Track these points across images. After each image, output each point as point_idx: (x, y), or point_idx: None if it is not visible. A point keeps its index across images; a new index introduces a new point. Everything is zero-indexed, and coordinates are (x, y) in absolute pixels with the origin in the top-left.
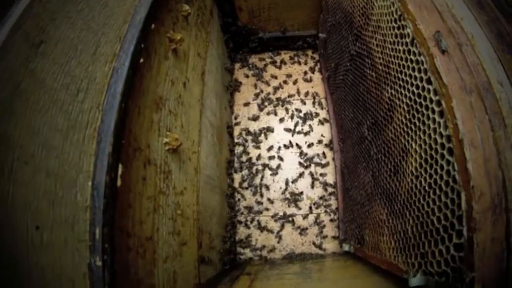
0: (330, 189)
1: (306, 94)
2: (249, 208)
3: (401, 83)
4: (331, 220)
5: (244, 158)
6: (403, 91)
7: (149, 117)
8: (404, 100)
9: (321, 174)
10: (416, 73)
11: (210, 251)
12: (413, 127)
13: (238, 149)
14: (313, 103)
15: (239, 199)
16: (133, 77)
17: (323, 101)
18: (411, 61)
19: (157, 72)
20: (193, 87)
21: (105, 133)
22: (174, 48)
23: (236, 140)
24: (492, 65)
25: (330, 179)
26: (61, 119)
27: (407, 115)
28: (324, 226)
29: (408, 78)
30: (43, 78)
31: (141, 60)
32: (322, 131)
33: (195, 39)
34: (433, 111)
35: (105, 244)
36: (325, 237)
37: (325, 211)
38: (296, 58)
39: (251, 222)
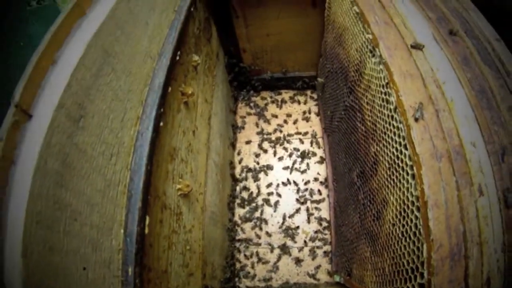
0: (324, 224)
1: (305, 133)
2: (248, 240)
3: (384, 142)
4: (325, 252)
5: (244, 194)
6: (386, 150)
7: (165, 168)
8: (386, 158)
9: (316, 209)
10: (397, 138)
11: (212, 280)
12: (392, 182)
13: (240, 185)
14: (311, 142)
15: (239, 232)
16: (155, 139)
17: (320, 140)
18: (394, 126)
19: (172, 126)
20: (201, 133)
21: (135, 190)
22: (186, 101)
23: (237, 177)
24: (468, 126)
25: (324, 214)
26: (100, 180)
27: (388, 171)
28: (318, 258)
29: (390, 140)
30: (84, 149)
31: (161, 124)
32: (319, 169)
33: (202, 86)
34: (407, 173)
35: (136, 280)
36: (318, 267)
37: (320, 245)
38: (296, 98)
39: (250, 253)
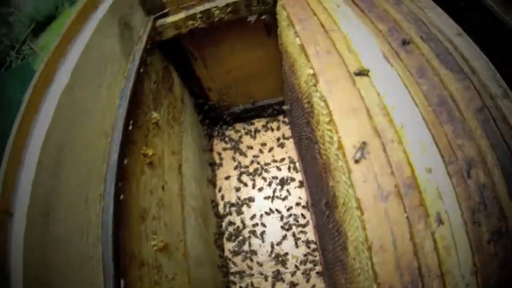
0: (312, 246)
1: (282, 160)
2: (242, 273)
3: (337, 179)
4: (318, 273)
5: (230, 229)
6: (338, 187)
7: (137, 229)
8: (340, 194)
9: (302, 232)
10: (343, 177)
11: None
12: (346, 219)
13: (225, 221)
14: (288, 168)
15: (231, 266)
16: (119, 211)
17: (297, 164)
18: (340, 165)
19: (137, 189)
20: (171, 186)
21: (107, 260)
22: (149, 161)
23: (222, 213)
24: (421, 152)
25: (311, 236)
26: (77, 258)
27: (343, 207)
28: (312, 279)
29: (339, 178)
30: (59, 238)
31: (122, 196)
32: (299, 194)
33: (168, 139)
34: (356, 213)
35: None
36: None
37: (311, 267)
38: (268, 125)
39: (245, 284)
